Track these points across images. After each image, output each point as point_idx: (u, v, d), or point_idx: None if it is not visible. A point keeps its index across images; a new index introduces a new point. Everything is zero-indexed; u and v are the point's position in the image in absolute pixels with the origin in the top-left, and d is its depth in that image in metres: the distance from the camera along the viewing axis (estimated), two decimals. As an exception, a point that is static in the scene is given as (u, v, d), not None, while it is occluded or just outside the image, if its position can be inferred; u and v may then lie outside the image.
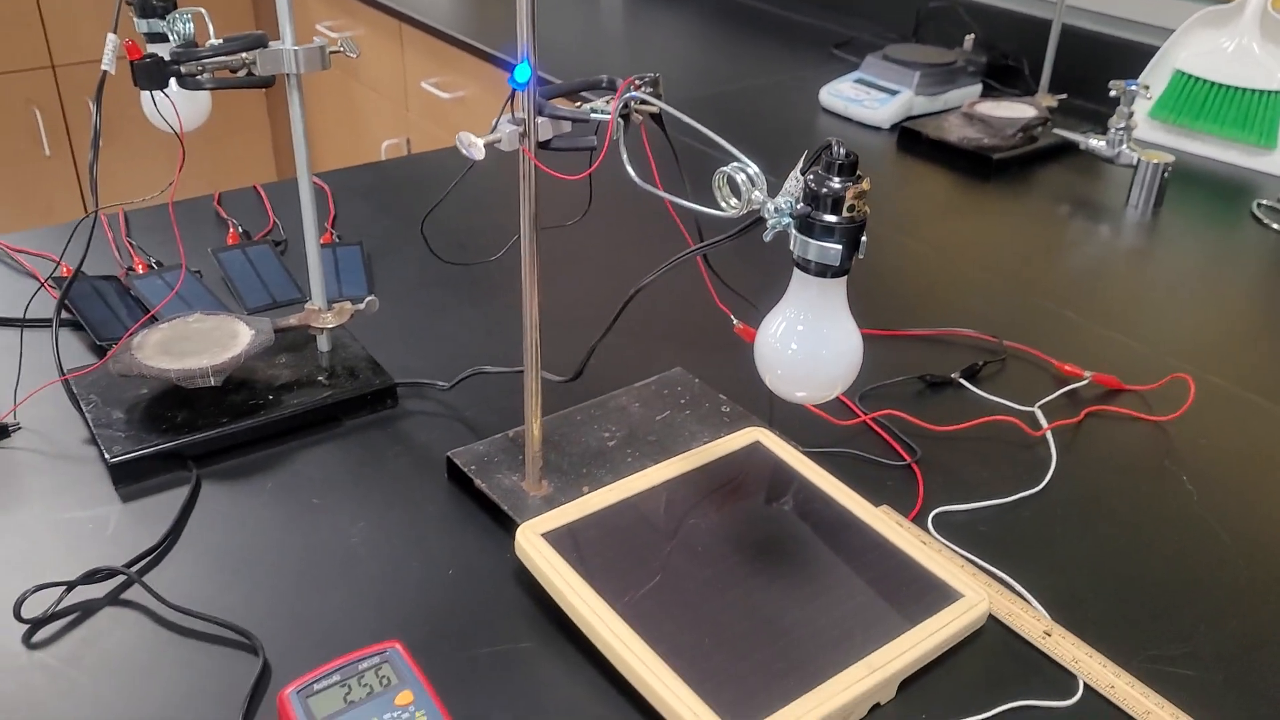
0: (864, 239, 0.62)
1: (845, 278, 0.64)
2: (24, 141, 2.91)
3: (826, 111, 1.72)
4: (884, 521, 0.81)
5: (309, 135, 3.14)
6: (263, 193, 1.36)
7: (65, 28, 2.87)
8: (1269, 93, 1.51)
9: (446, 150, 1.54)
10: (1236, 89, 1.54)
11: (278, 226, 1.28)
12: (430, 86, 2.23)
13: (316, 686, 0.63)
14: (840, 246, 0.61)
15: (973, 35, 1.81)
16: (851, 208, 0.60)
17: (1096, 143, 1.46)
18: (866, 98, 1.67)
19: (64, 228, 1.26)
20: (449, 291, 1.16)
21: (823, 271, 0.63)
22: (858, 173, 0.61)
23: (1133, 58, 1.69)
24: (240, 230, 1.25)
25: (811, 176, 0.61)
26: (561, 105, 0.73)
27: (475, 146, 0.69)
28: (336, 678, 0.63)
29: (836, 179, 0.60)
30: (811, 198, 0.61)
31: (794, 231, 0.63)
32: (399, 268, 1.21)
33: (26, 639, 0.74)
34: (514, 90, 0.70)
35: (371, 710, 0.62)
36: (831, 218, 0.61)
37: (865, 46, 2.01)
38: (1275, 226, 1.38)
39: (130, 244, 1.22)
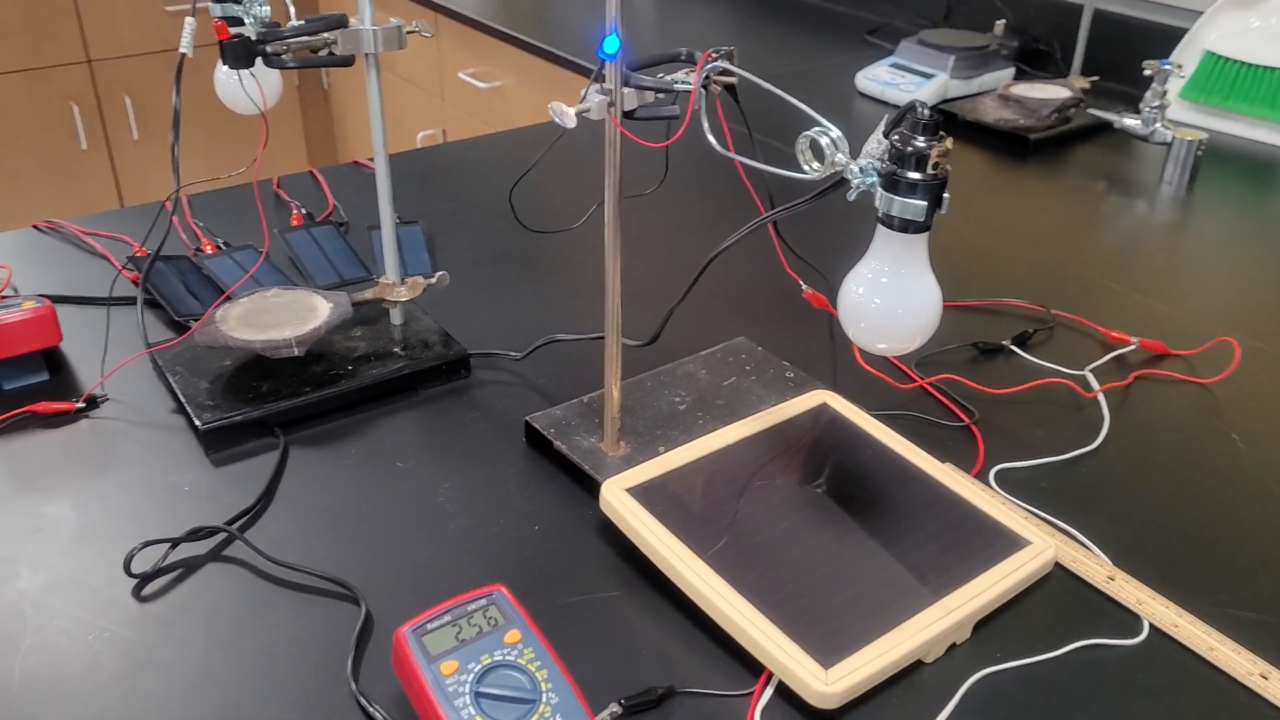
0: (946, 195, 0.65)
1: (927, 234, 0.68)
2: (61, 136, 2.95)
3: (863, 95, 1.75)
4: (950, 476, 0.85)
5: (349, 125, 3.17)
6: (320, 177, 1.40)
7: (102, 24, 2.91)
8: (1299, 71, 1.54)
9: (487, 136, 1.58)
10: (1266, 68, 1.57)
11: (337, 209, 1.32)
12: (468, 77, 2.27)
13: (430, 626, 0.66)
14: (925, 202, 0.64)
15: (1003, 20, 1.84)
16: (936, 165, 0.64)
17: (1131, 121, 1.49)
18: (903, 81, 1.70)
19: (129, 211, 1.30)
20: (508, 268, 1.20)
21: (906, 227, 0.66)
22: (940, 133, 0.64)
23: (1163, 39, 1.72)
24: (304, 212, 1.28)
25: (897, 137, 0.65)
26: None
27: (567, 115, 0.72)
28: (448, 618, 0.67)
29: (921, 138, 0.64)
30: (897, 157, 0.64)
31: (879, 190, 0.66)
32: (456, 246, 1.24)
33: (136, 592, 0.77)
34: (603, 61, 0.73)
35: (482, 648, 0.66)
36: (916, 175, 0.64)
37: (897, 33, 2.04)
38: (1309, 201, 1.41)
39: (196, 226, 1.26)
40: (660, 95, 0.76)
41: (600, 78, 0.74)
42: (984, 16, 1.94)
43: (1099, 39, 1.79)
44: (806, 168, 0.69)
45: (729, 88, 0.80)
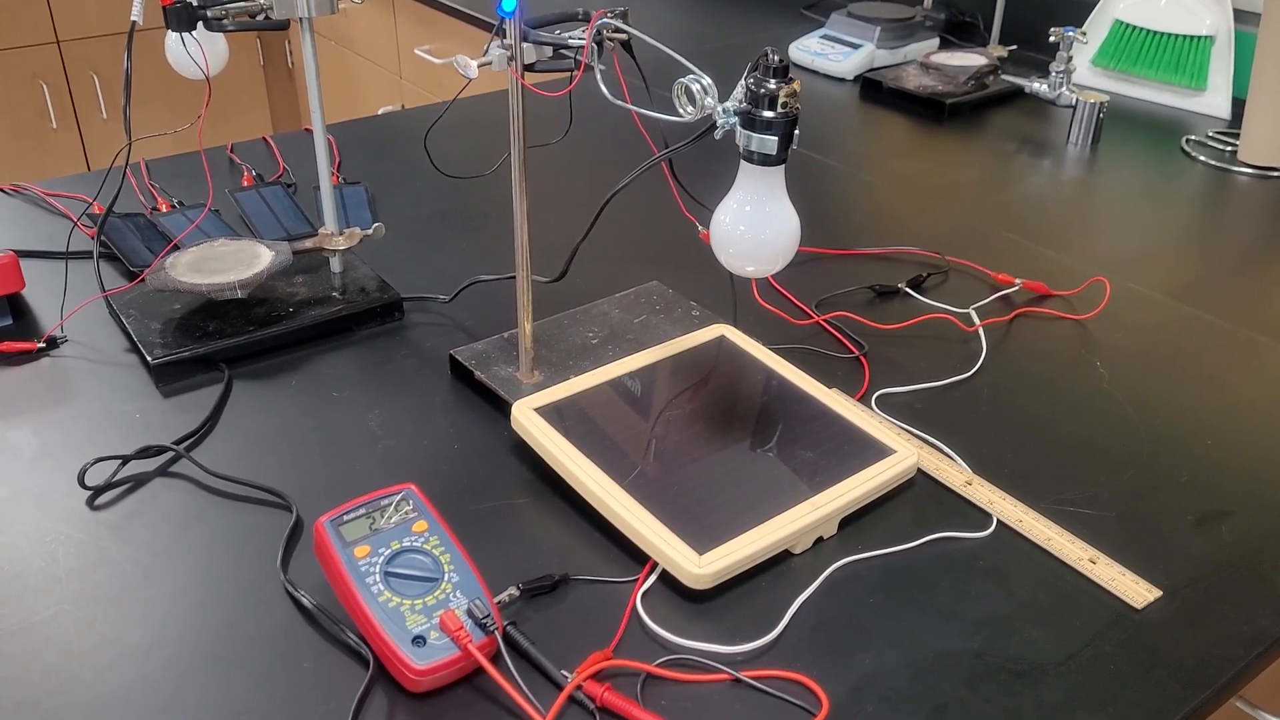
0: (796, 132, 0.74)
1: (783, 166, 0.76)
2: (31, 115, 3.02)
3: (796, 65, 1.84)
4: (833, 398, 0.93)
5: (306, 90, 3.26)
6: (272, 143, 1.48)
7: (70, 4, 2.98)
8: (1199, 38, 1.63)
9: (433, 105, 1.66)
10: (1170, 35, 1.66)
11: (288, 172, 1.40)
12: (423, 53, 2.35)
13: (346, 517, 0.75)
14: (776, 138, 0.73)
15: (931, -7, 1.93)
16: (785, 104, 0.72)
17: (1039, 85, 1.58)
18: (832, 51, 1.79)
19: (90, 175, 1.38)
20: (444, 223, 1.28)
21: (764, 160, 0.75)
22: (789, 75, 0.73)
23: (1078, 9, 1.81)
24: (255, 174, 1.36)
25: (751, 80, 0.73)
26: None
27: (470, 67, 0.81)
28: (362, 511, 0.76)
29: (772, 81, 0.72)
30: (752, 98, 0.73)
31: (739, 128, 0.75)
32: (398, 205, 1.33)
33: (90, 502, 0.86)
34: (502, 19, 0.81)
35: (392, 535, 0.74)
36: (769, 113, 0.73)
37: (833, 7, 2.13)
38: (1201, 159, 1.50)
39: (153, 187, 1.34)
40: (557, 50, 0.84)
41: (501, 33, 0.82)
42: (915, -10, 2.03)
43: (1018, 10, 1.88)
44: (682, 111, 0.78)
45: (625, 44, 0.89)
